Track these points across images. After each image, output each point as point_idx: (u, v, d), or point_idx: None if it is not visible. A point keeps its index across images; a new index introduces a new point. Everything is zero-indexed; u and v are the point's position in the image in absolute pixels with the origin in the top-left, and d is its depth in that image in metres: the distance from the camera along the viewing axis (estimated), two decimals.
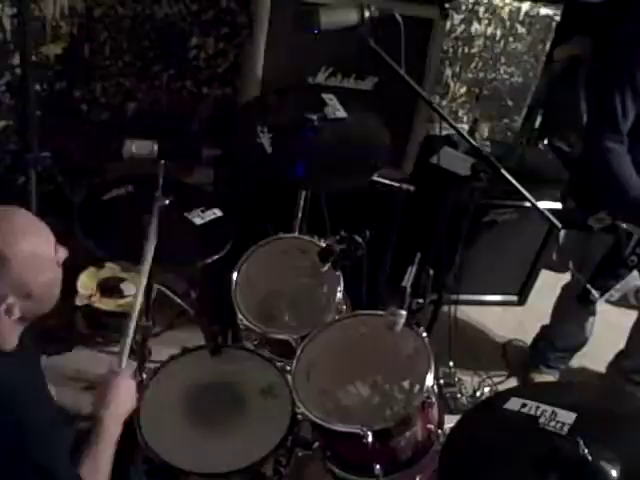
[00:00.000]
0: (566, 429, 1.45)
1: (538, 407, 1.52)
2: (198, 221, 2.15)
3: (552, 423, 1.47)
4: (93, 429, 1.56)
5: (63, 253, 1.52)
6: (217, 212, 2.19)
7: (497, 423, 1.58)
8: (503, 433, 1.53)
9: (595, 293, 2.04)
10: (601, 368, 3.10)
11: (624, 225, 2.11)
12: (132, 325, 1.75)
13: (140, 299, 1.84)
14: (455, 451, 1.58)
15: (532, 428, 1.48)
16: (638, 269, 2.16)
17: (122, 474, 1.66)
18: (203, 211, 2.18)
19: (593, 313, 2.79)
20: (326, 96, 2.42)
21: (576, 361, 3.03)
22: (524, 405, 1.54)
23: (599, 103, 2.41)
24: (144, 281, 1.86)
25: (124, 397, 1.64)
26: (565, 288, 2.89)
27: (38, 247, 1.44)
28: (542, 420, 1.49)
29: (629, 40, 2.28)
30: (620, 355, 3.03)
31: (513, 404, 1.56)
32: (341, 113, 2.37)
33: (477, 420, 1.67)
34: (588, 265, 2.31)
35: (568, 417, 1.47)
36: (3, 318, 1.41)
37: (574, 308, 2.74)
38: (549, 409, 1.50)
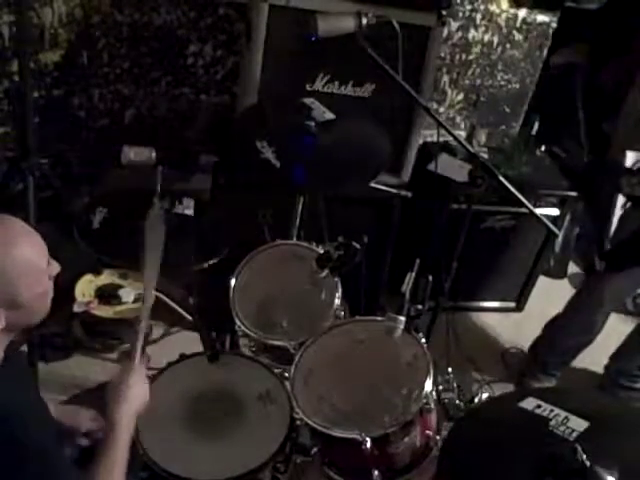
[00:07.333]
0: (574, 435, 1.43)
1: (552, 410, 1.50)
2: (188, 212, 2.14)
3: (562, 427, 1.46)
4: (108, 433, 1.52)
5: (55, 268, 1.48)
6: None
7: (506, 420, 1.57)
8: (509, 431, 1.52)
9: (598, 263, 2.00)
10: (598, 375, 3.10)
11: None
12: (145, 321, 1.72)
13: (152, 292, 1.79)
14: (455, 450, 1.57)
15: (540, 430, 1.47)
16: None
17: None
18: (180, 202, 2.17)
19: (601, 305, 2.74)
20: (307, 100, 2.40)
21: (573, 367, 3.03)
22: (539, 406, 1.53)
23: None
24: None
25: (138, 398, 1.60)
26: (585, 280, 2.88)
27: (30, 258, 1.40)
28: (552, 423, 1.47)
29: None
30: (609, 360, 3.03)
31: (528, 403, 1.55)
32: (329, 115, 2.36)
33: (483, 417, 1.67)
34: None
35: (579, 424, 1.45)
36: None
37: (587, 299, 2.72)
38: (563, 414, 1.49)
